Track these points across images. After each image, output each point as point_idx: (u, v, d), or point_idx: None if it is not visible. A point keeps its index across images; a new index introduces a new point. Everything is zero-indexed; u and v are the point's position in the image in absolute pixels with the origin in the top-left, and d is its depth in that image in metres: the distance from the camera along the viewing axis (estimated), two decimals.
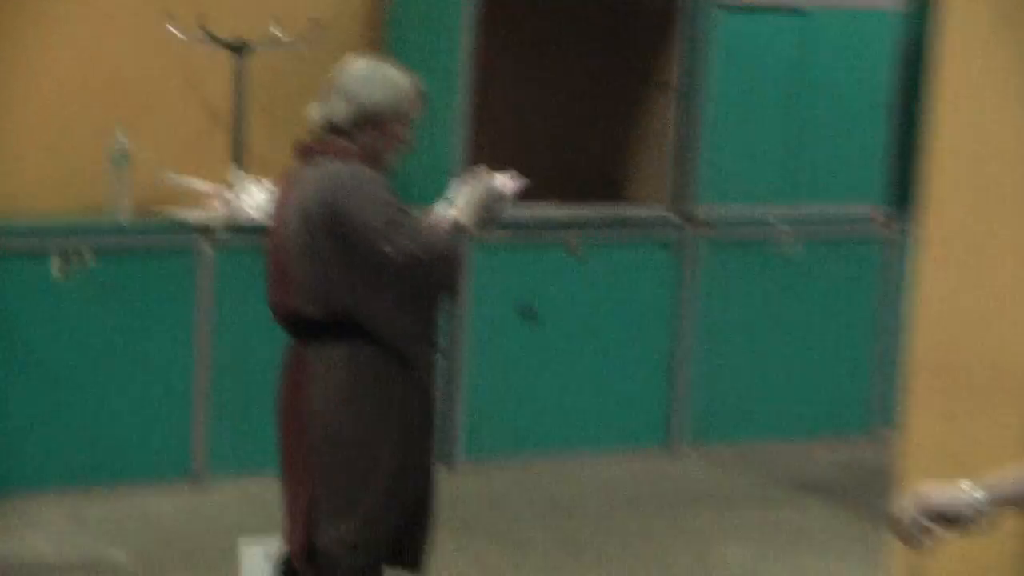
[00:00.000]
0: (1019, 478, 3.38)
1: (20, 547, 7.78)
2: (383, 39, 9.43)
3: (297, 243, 5.44)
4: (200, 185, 8.84)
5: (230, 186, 8.83)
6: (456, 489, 8.52)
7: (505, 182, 5.66)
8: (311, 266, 5.43)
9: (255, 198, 8.46)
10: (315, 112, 5.56)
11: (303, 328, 5.52)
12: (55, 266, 8.34)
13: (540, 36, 9.89)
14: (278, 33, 9.07)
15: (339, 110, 5.49)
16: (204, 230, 8.63)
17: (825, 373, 10.15)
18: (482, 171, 5.77)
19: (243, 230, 8.45)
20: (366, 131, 5.49)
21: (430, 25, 9.34)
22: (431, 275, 5.45)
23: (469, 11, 9.07)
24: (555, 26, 9.89)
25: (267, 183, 8.27)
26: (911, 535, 3.47)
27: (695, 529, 8.48)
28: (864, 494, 8.84)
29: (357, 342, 5.45)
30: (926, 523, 3.46)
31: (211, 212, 8.74)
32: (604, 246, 9.59)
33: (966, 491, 3.41)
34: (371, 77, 5.53)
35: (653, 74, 9.78)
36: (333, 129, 5.51)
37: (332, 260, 5.41)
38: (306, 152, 5.57)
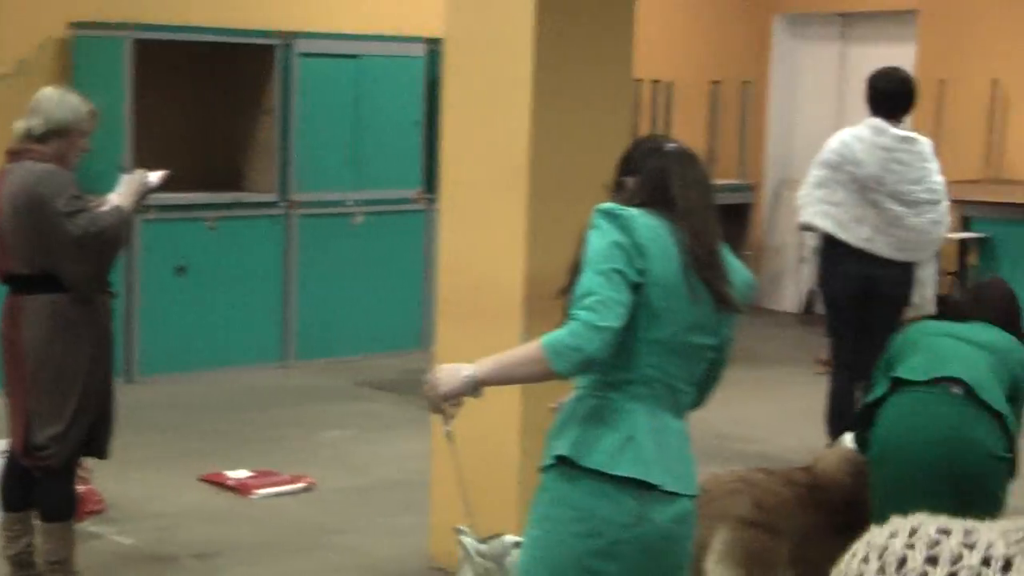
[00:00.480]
0: (493, 359, 3.48)
1: None
2: (70, 74, 9.19)
3: (9, 221, 5.29)
4: None
5: None
6: (135, 397, 8.37)
7: (151, 175, 5.69)
8: (20, 238, 5.30)
9: None
10: (19, 126, 5.40)
11: (17, 282, 5.40)
12: None
13: (184, 73, 9.80)
14: None
15: (35, 125, 5.34)
16: None
17: (389, 306, 10.24)
18: (137, 170, 5.79)
19: None
20: (54, 140, 5.34)
21: (101, 62, 9.15)
22: (101, 243, 5.36)
23: (128, 52, 8.98)
24: (197, 65, 9.81)
25: None
26: (436, 408, 3.60)
27: (306, 418, 8.45)
28: (419, 390, 8.92)
29: (55, 292, 5.32)
30: (442, 403, 3.55)
31: None
32: (233, 221, 9.56)
33: (460, 372, 3.49)
34: (58, 101, 5.40)
35: (261, 102, 9.76)
36: (32, 138, 5.35)
37: (34, 233, 5.27)
38: (13, 155, 5.40)
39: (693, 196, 3.52)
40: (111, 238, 5.41)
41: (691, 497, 3.51)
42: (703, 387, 3.62)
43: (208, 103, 9.95)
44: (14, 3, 9.20)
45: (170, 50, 9.45)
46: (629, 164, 3.64)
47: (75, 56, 9.37)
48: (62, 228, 5.26)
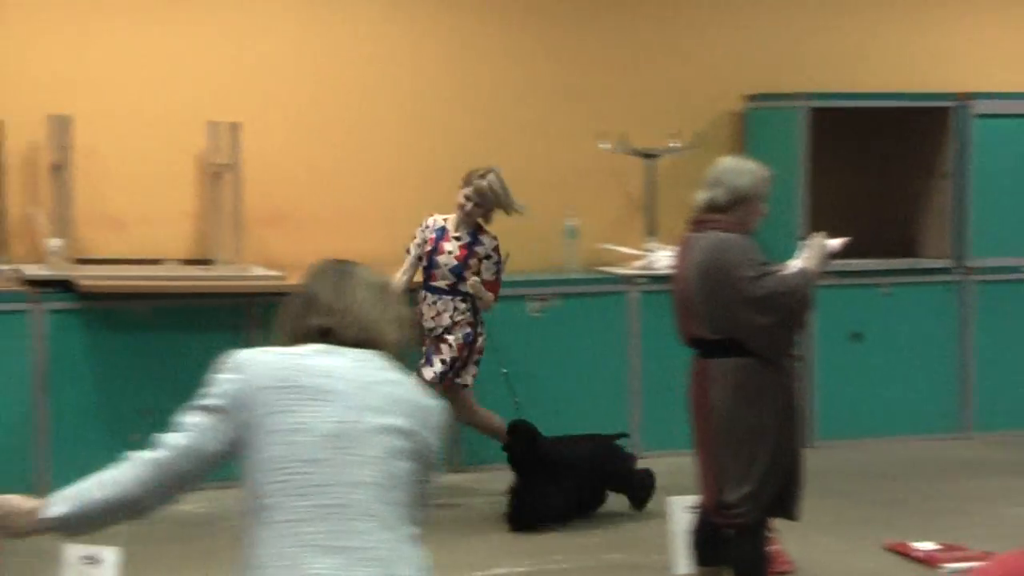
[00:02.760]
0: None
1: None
2: (744, 142, 9.36)
3: (695, 288, 5.38)
4: (626, 250, 8.90)
5: (646, 250, 8.85)
6: (813, 461, 8.22)
7: (833, 242, 5.58)
8: (706, 303, 5.36)
9: (663, 258, 8.45)
10: (700, 196, 5.46)
11: (702, 346, 5.44)
12: (530, 306, 8.45)
13: (855, 138, 9.65)
14: (674, 143, 9.08)
15: (718, 195, 5.38)
16: (630, 280, 8.69)
17: None
18: (819, 235, 5.67)
19: (656, 279, 8.35)
20: (737, 208, 5.37)
21: (776, 132, 9.24)
22: (789, 305, 5.35)
23: (803, 121, 9.02)
24: (867, 130, 9.62)
25: (670, 247, 8.25)
26: None
27: (989, 492, 7.93)
28: None
29: (741, 355, 5.33)
30: None
31: (634, 268, 8.77)
32: (907, 287, 9.28)
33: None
34: (738, 169, 5.44)
35: (934, 165, 9.46)
36: (713, 208, 5.41)
37: (720, 300, 5.32)
38: (696, 225, 5.48)
39: None
40: (798, 300, 5.39)
41: None
42: None
43: (880, 167, 9.78)
44: (693, 81, 9.50)
45: (842, 116, 9.40)
46: None
47: (749, 126, 9.52)
48: (748, 294, 5.30)
